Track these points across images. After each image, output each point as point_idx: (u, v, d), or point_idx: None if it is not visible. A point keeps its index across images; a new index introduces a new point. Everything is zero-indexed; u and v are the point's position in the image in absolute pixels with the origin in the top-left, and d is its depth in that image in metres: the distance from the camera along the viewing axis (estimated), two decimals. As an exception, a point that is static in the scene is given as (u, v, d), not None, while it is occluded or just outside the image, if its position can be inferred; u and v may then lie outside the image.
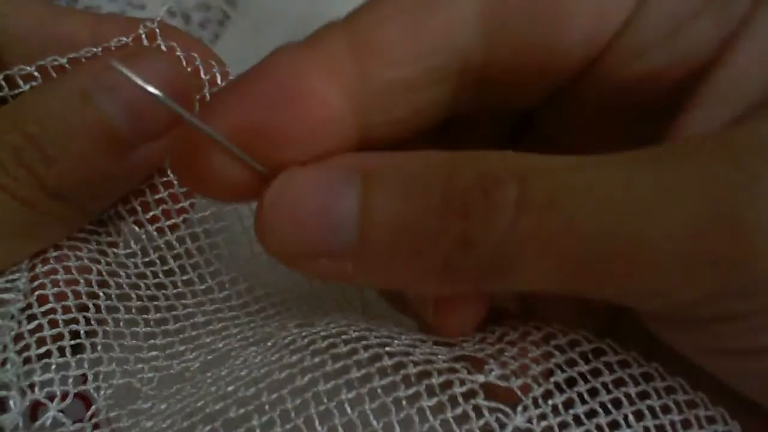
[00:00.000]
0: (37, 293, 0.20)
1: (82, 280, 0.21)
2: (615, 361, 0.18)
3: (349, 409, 0.17)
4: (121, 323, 0.21)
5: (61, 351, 0.19)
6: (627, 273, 0.14)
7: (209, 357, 0.21)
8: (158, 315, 0.22)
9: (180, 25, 0.37)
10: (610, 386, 0.17)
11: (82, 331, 0.20)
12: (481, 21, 0.16)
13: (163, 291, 0.23)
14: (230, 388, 0.18)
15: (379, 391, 0.17)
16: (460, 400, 0.16)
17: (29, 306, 0.19)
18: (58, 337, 0.19)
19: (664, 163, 0.14)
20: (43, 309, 0.19)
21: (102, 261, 0.22)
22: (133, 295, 0.22)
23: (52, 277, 0.20)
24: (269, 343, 0.20)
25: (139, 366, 0.20)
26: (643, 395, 0.17)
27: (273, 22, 0.36)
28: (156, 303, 0.22)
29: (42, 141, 0.18)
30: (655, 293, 0.15)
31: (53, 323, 0.19)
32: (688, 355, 0.17)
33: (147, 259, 0.23)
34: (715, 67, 0.16)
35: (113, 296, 0.21)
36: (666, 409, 0.17)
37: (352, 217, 0.15)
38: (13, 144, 0.18)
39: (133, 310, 0.21)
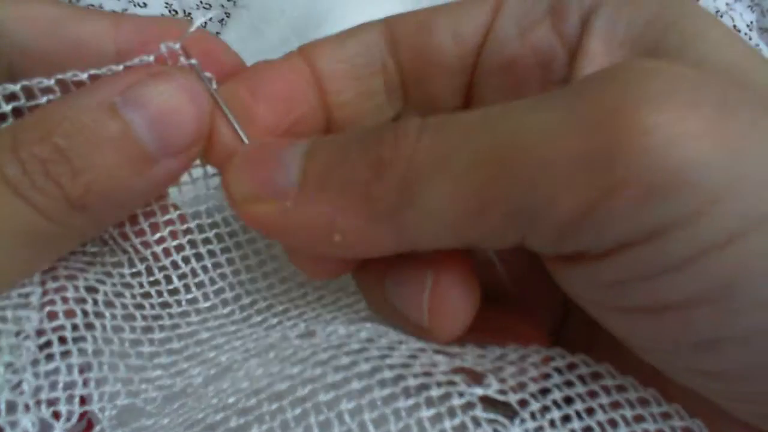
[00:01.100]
0: (47, 309, 0.20)
1: (90, 300, 0.21)
2: (612, 385, 0.18)
3: (348, 419, 0.17)
4: (126, 343, 0.21)
5: (69, 369, 0.19)
6: (513, 183, 0.16)
7: (212, 371, 0.21)
8: (162, 334, 0.22)
9: (181, 24, 0.37)
10: (607, 408, 0.17)
11: (90, 350, 0.20)
12: (383, 38, 0.24)
13: (168, 310, 0.23)
14: (231, 400, 0.18)
15: (378, 402, 0.17)
16: (459, 411, 0.17)
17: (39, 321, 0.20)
18: (66, 354, 0.19)
19: (547, 97, 0.17)
20: (53, 325, 0.19)
21: (108, 282, 0.22)
22: (138, 315, 0.22)
23: (61, 294, 0.20)
24: (271, 355, 0.20)
25: (143, 386, 0.20)
26: (640, 419, 0.17)
27: (273, 21, 0.36)
28: (161, 323, 0.22)
29: (70, 153, 0.19)
30: (544, 205, 0.16)
31: (62, 340, 0.19)
32: (589, 310, 0.19)
33: (152, 279, 0.23)
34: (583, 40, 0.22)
35: (119, 316, 0.21)
36: None
37: (297, 162, 0.20)
38: (42, 156, 0.18)
39: (138, 330, 0.22)
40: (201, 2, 0.37)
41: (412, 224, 0.18)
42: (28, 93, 0.20)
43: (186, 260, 0.23)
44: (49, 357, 0.19)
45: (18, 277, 0.20)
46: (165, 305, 0.23)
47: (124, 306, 0.22)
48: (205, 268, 0.23)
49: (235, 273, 0.24)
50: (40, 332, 0.19)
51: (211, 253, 0.24)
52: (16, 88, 0.20)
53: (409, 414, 0.17)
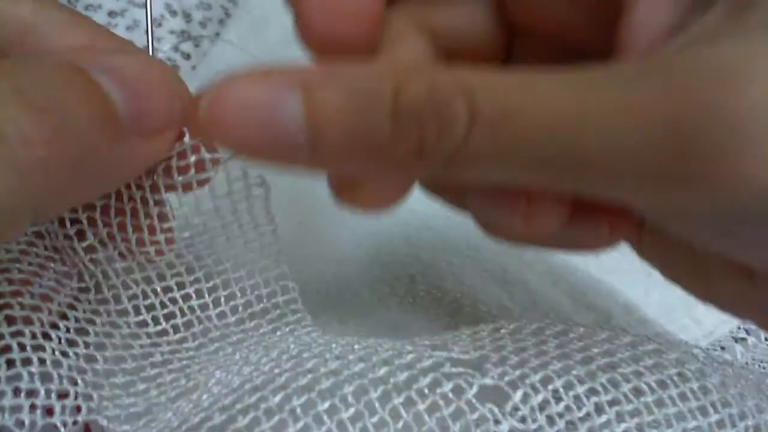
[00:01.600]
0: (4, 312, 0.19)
1: (45, 309, 0.20)
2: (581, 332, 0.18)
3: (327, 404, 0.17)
4: (81, 358, 0.20)
5: (31, 376, 0.18)
6: (579, 182, 0.15)
7: (172, 393, 0.20)
8: (115, 353, 0.21)
9: (181, 24, 0.37)
10: (606, 408, 0.17)
11: (48, 360, 0.19)
12: None
13: (119, 330, 0.21)
14: (205, 404, 0.18)
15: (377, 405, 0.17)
16: (466, 407, 0.16)
17: None
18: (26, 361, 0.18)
19: (614, 86, 0.15)
20: (11, 330, 0.18)
21: (78, 308, 0.21)
22: (90, 330, 0.21)
23: (18, 299, 0.19)
24: (237, 365, 0.20)
25: (104, 404, 0.19)
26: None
27: (274, 22, 0.37)
28: (112, 341, 0.21)
29: (32, 93, 0.16)
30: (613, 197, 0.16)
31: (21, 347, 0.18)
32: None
33: (120, 308, 0.22)
34: None
35: (72, 329, 0.20)
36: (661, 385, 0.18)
37: (298, 124, 0.15)
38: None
39: (91, 346, 0.20)
40: (201, 2, 0.37)
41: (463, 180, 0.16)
42: None
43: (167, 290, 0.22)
44: (10, 363, 0.18)
45: None
46: (114, 324, 0.21)
47: (77, 320, 0.21)
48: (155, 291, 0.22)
49: (185, 298, 0.22)
50: None
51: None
52: None
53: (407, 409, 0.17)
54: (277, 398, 0.17)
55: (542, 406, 0.17)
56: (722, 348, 0.31)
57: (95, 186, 0.19)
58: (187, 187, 0.20)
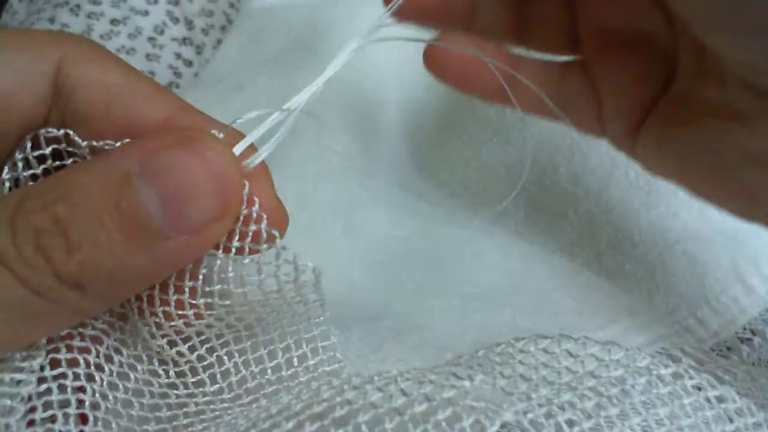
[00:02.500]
0: (50, 356, 0.19)
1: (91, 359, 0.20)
2: (595, 351, 0.18)
3: None
4: (119, 403, 0.20)
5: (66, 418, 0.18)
6: None
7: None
8: (152, 401, 0.21)
9: (183, 31, 0.37)
10: (595, 372, 0.17)
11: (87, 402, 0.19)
12: None
13: (157, 379, 0.21)
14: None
15: (363, 427, 0.16)
16: (449, 404, 0.16)
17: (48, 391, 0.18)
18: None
19: None
20: (54, 373, 0.18)
21: (115, 359, 0.21)
22: (132, 376, 0.21)
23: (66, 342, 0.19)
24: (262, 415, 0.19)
25: None
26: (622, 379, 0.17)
27: (275, 30, 0.37)
28: (150, 389, 0.21)
29: (69, 225, 0.17)
30: None
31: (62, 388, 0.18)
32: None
33: (150, 368, 0.21)
34: None
35: (115, 372, 0.20)
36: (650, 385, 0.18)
37: None
38: (36, 226, 0.17)
39: (130, 392, 0.21)
40: (203, 9, 0.38)
41: None
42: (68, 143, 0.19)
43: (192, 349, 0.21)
44: (47, 405, 0.18)
45: (13, 348, 0.19)
46: (153, 373, 0.21)
47: (121, 364, 0.21)
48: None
49: (223, 345, 0.22)
50: (41, 379, 0.18)
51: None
52: (59, 132, 0.19)
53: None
54: (290, 425, 0.17)
55: None
56: (728, 348, 0.31)
57: (138, 285, 0.20)
58: (240, 251, 0.20)
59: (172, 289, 0.20)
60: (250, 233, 0.20)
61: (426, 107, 0.33)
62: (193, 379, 0.21)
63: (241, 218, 0.20)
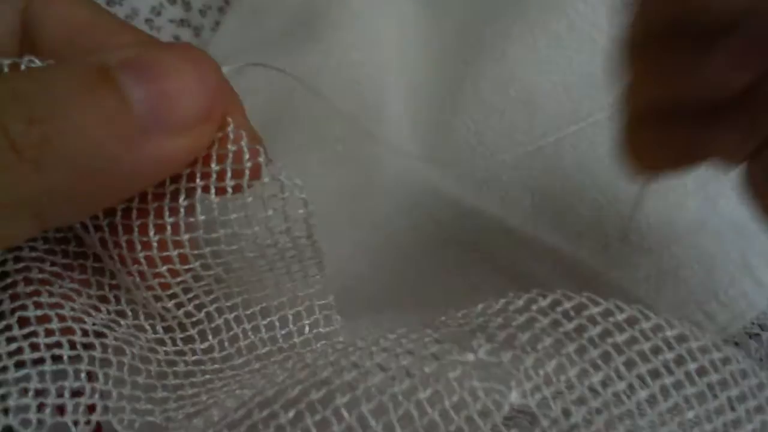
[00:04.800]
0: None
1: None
2: (597, 312, 0.17)
3: (346, 414, 0.16)
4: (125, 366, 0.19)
5: (77, 374, 0.18)
6: None
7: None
8: (159, 368, 0.20)
9: (180, 13, 0.36)
10: (596, 340, 0.16)
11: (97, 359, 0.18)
12: None
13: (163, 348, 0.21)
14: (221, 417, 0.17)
15: (373, 390, 0.16)
16: (456, 386, 0.16)
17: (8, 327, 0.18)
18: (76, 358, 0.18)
19: None
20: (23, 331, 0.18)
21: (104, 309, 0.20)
22: (136, 343, 0.20)
23: (46, 326, 0.18)
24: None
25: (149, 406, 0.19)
26: (631, 341, 0.17)
27: (274, 10, 0.36)
28: (157, 356, 0.20)
29: (34, 98, 0.16)
30: None
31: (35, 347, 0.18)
32: None
33: (136, 322, 0.21)
34: None
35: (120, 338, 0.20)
36: (657, 351, 0.17)
37: None
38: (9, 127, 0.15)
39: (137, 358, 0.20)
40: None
41: None
42: None
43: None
44: (57, 358, 0.18)
45: None
46: (160, 342, 0.20)
47: (108, 312, 0.20)
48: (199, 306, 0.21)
49: (213, 301, 0.21)
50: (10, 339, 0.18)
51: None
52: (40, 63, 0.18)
53: (407, 398, 0.16)
54: (290, 414, 0.16)
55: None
56: (736, 344, 0.30)
57: (113, 189, 0.18)
58: (222, 185, 0.18)
59: (152, 230, 0.19)
60: (231, 153, 0.18)
61: (429, 90, 0.32)
62: (182, 335, 0.21)
63: (217, 141, 0.19)
